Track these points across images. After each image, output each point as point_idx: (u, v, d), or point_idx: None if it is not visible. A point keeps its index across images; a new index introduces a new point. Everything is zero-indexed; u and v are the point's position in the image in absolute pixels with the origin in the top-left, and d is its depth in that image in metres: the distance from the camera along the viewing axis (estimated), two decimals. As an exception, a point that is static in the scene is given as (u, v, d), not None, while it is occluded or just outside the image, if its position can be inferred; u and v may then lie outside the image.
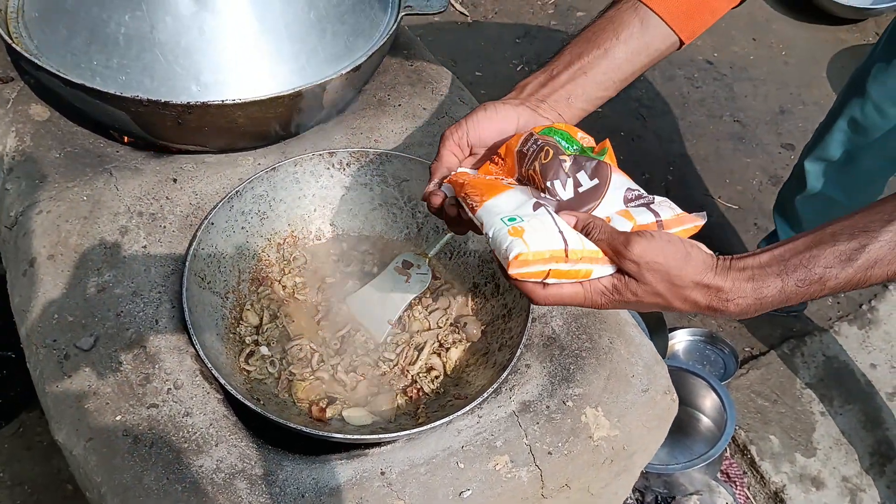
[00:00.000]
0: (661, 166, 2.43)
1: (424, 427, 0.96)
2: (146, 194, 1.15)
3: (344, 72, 1.12)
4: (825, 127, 1.71)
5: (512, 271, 0.78)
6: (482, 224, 0.83)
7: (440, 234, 1.17)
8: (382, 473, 0.95)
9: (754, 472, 1.72)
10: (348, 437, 0.96)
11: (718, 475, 1.67)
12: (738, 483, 1.68)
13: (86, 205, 1.12)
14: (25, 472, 1.50)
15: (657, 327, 1.88)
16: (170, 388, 0.98)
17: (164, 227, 1.12)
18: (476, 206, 0.84)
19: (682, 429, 1.71)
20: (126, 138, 1.22)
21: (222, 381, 0.96)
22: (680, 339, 1.95)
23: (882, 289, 2.08)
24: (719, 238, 2.23)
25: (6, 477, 1.49)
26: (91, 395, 0.96)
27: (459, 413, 0.98)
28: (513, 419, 1.03)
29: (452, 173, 0.93)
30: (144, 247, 1.09)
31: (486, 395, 1.00)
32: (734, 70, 2.79)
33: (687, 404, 1.73)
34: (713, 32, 2.90)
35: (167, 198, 1.15)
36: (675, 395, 1.15)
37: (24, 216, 1.11)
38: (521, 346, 1.05)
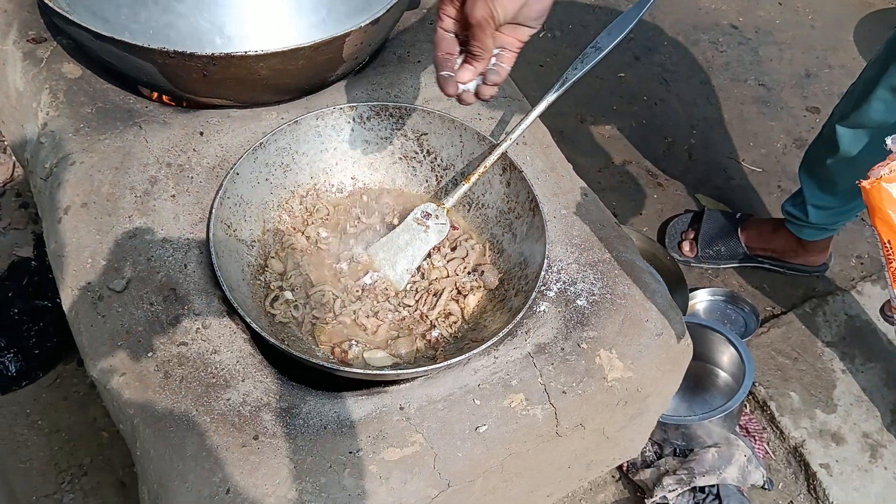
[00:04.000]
0: (685, 130, 2.43)
1: (441, 364, 1.00)
2: (174, 146, 1.19)
3: (363, 24, 1.14)
4: (864, 93, 1.65)
5: None
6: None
7: (458, 185, 1.19)
8: (401, 408, 0.99)
9: (774, 428, 1.73)
10: (368, 372, 1.00)
11: (737, 430, 1.69)
12: (757, 438, 1.70)
13: (117, 156, 1.16)
14: (62, 421, 1.56)
15: (677, 286, 1.89)
16: (198, 328, 1.02)
17: (192, 177, 1.16)
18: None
19: (700, 384, 1.73)
20: (154, 94, 1.26)
21: (248, 321, 0.99)
22: (701, 300, 1.96)
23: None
24: (743, 200, 2.22)
25: (44, 424, 1.55)
26: (124, 334, 1.01)
27: (476, 351, 1.01)
28: (528, 360, 1.06)
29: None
30: (173, 196, 1.14)
31: (501, 334, 1.03)
32: (759, 34, 2.76)
33: (705, 360, 1.74)
34: (738, -4, 2.87)
35: (194, 150, 1.19)
36: (690, 340, 1.17)
37: (59, 167, 1.15)
38: (535, 290, 1.07)
